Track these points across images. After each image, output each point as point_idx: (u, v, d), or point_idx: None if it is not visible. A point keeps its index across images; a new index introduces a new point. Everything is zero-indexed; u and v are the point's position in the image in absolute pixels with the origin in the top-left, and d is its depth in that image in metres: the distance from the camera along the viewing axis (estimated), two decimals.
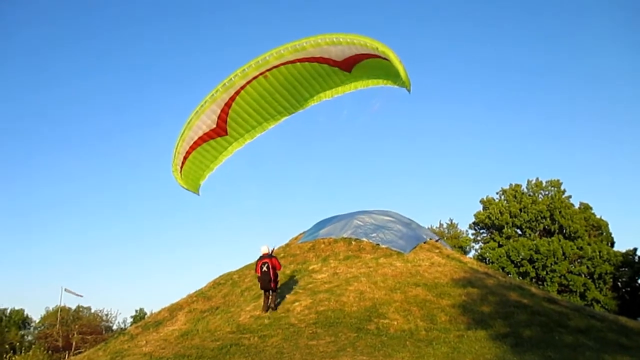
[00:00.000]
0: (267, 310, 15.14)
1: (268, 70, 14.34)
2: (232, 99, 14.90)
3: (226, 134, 15.79)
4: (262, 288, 15.37)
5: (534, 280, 43.30)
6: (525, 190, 49.20)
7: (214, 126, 15.42)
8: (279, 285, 15.99)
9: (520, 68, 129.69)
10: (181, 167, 16.01)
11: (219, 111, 15.09)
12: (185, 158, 15.81)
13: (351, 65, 14.43)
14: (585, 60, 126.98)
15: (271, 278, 15.16)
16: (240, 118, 15.60)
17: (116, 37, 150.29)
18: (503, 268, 43.39)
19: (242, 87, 14.68)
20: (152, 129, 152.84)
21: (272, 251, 16.06)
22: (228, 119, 15.39)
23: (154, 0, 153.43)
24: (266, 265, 15.21)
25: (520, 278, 42.10)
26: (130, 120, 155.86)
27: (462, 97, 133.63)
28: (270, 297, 15.37)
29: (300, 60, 14.19)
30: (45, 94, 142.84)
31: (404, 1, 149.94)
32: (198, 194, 17.30)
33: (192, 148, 15.70)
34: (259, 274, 15.31)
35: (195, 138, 15.50)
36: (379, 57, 13.42)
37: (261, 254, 15.75)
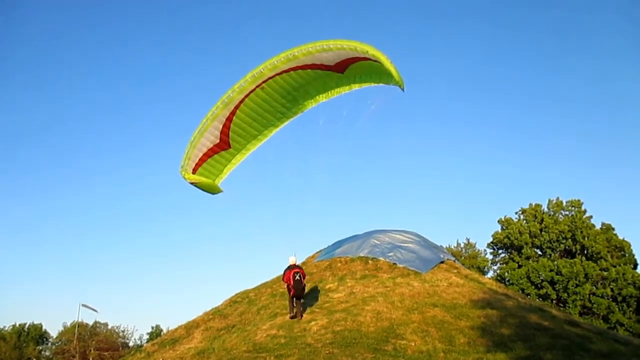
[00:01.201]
0: (294, 317, 16.01)
1: (264, 82, 14.76)
2: (233, 113, 15.36)
3: (229, 147, 16.25)
4: (295, 296, 16.20)
5: (554, 302, 42.43)
6: (546, 210, 48.53)
7: (218, 141, 15.85)
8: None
9: (541, 87, 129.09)
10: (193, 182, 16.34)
11: (221, 127, 15.57)
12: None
13: (344, 67, 14.80)
14: (607, 79, 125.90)
15: (303, 286, 16.22)
16: (242, 130, 16.03)
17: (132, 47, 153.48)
18: (523, 290, 42.64)
19: (241, 101, 15.13)
20: (172, 142, 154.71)
21: None
22: (230, 133, 15.86)
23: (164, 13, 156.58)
24: (299, 274, 16.15)
25: (541, 300, 41.29)
26: (149, 134, 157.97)
27: (482, 116, 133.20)
28: (298, 305, 16.26)
29: (294, 69, 14.63)
30: (62, 104, 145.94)
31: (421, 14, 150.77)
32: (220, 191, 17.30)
33: (198, 165, 16.11)
34: (292, 283, 16.00)
35: (200, 155, 15.93)
36: (370, 59, 13.75)
37: (290, 264, 16.67)
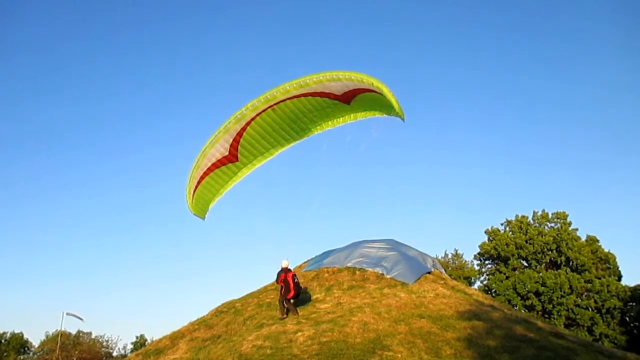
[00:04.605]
0: (287, 315, 17.10)
1: (276, 104, 15.81)
2: (243, 129, 16.43)
3: (237, 160, 17.35)
4: (295, 296, 17.43)
5: (540, 313, 42.66)
6: (531, 221, 48.86)
7: (227, 153, 16.95)
8: None
9: (529, 99, 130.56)
10: (194, 192, 17.48)
11: (231, 140, 16.62)
12: (198, 183, 17.33)
13: (350, 98, 15.91)
14: (593, 91, 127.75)
15: (301, 287, 17.85)
16: (250, 146, 17.09)
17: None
18: (509, 300, 42.85)
19: (252, 119, 16.19)
20: (159, 155, 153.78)
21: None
22: (239, 147, 16.93)
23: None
24: (296, 277, 17.44)
25: (527, 311, 41.50)
26: (139, 143, 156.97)
27: (468, 127, 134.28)
28: (290, 304, 17.37)
29: (304, 95, 15.69)
30: (58, 111, 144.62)
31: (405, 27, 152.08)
32: (204, 219, 18.68)
33: (206, 174, 17.24)
34: (291, 285, 17.03)
35: (209, 164, 17.03)
36: (375, 91, 14.82)
37: (284, 267, 17.64)
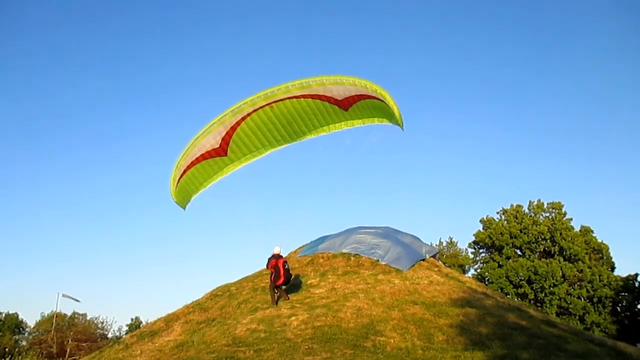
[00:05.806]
0: (277, 303, 16.94)
1: (274, 102, 15.63)
2: (238, 123, 16.18)
3: (226, 154, 17.01)
4: (285, 283, 17.33)
5: (532, 302, 43.05)
6: (527, 211, 49.07)
7: (217, 146, 16.60)
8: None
9: (525, 89, 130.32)
10: (178, 180, 17.17)
11: (224, 133, 16.31)
12: (184, 172, 16.96)
13: (349, 105, 15.87)
14: (589, 82, 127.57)
15: (291, 275, 17.63)
16: (241, 142, 16.85)
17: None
18: (502, 289, 43.17)
19: (249, 114, 15.97)
20: (156, 138, 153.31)
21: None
22: (230, 142, 16.63)
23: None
24: (287, 263, 17.37)
25: (519, 299, 41.87)
26: (134, 127, 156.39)
27: (465, 116, 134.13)
28: (280, 290, 17.39)
29: (304, 96, 15.55)
30: (54, 98, 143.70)
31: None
32: (184, 209, 18.42)
33: (193, 164, 16.88)
34: (281, 271, 16.96)
35: (198, 155, 16.67)
36: (377, 98, 14.82)
37: (275, 254, 17.46)
